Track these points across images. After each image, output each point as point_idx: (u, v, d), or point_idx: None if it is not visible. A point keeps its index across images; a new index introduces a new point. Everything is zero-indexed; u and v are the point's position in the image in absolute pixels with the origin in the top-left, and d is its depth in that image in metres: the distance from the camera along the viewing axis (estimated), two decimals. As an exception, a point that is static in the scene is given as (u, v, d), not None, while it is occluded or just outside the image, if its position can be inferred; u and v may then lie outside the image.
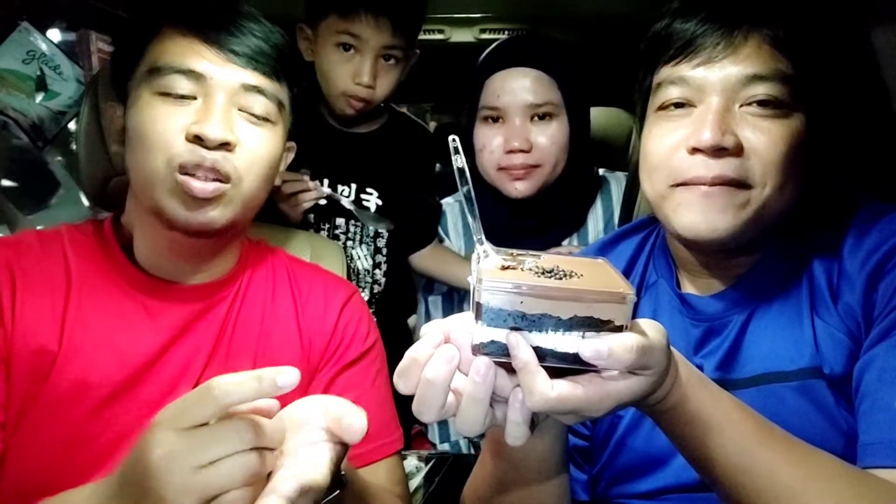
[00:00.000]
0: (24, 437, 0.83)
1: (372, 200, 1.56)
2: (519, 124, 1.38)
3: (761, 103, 0.78)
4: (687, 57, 0.80)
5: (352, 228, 1.57)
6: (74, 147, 1.16)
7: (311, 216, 1.53)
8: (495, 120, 1.41)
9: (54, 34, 1.39)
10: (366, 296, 1.60)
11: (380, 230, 1.57)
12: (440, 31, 2.05)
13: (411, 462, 1.40)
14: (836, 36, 0.86)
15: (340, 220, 1.56)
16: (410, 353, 0.58)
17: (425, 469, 1.39)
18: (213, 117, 0.86)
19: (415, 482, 1.35)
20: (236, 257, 1.01)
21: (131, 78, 0.91)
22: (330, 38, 1.40)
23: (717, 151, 0.77)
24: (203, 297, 0.95)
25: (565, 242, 1.54)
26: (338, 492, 0.70)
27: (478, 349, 0.56)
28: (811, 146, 0.80)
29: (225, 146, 0.87)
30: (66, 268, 0.91)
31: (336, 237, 1.56)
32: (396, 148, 1.57)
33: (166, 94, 0.87)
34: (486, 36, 2.06)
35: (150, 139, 0.87)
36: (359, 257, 1.58)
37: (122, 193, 0.99)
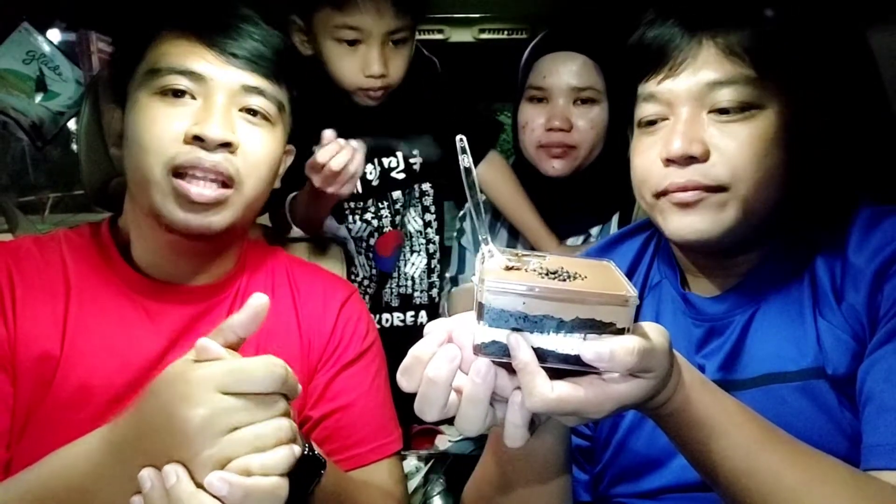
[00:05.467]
0: (30, 443, 0.83)
1: (417, 163, 1.52)
2: (561, 105, 1.44)
3: (723, 110, 0.79)
4: (655, 71, 0.82)
5: (404, 196, 1.53)
6: (75, 147, 1.16)
7: (371, 198, 1.48)
8: (540, 100, 1.47)
9: (54, 34, 1.39)
10: (424, 259, 1.58)
11: (424, 188, 1.56)
12: (439, 31, 2.05)
13: (411, 462, 1.40)
14: (812, 35, 0.86)
15: (397, 194, 1.52)
16: (413, 352, 0.58)
17: (425, 469, 1.39)
18: (214, 118, 0.86)
19: (415, 482, 1.35)
20: (236, 258, 1.00)
21: (130, 81, 0.90)
22: (328, 33, 1.28)
23: (687, 160, 0.79)
24: (203, 298, 0.95)
25: (594, 231, 1.55)
26: (322, 473, 0.70)
27: (479, 349, 0.56)
28: (786, 142, 0.80)
29: (226, 147, 0.86)
30: (64, 273, 0.91)
31: (396, 212, 1.52)
32: (413, 95, 1.44)
33: (164, 96, 0.87)
34: (485, 36, 2.06)
35: (146, 141, 0.86)
36: (409, 221, 1.56)
37: (123, 194, 0.98)
